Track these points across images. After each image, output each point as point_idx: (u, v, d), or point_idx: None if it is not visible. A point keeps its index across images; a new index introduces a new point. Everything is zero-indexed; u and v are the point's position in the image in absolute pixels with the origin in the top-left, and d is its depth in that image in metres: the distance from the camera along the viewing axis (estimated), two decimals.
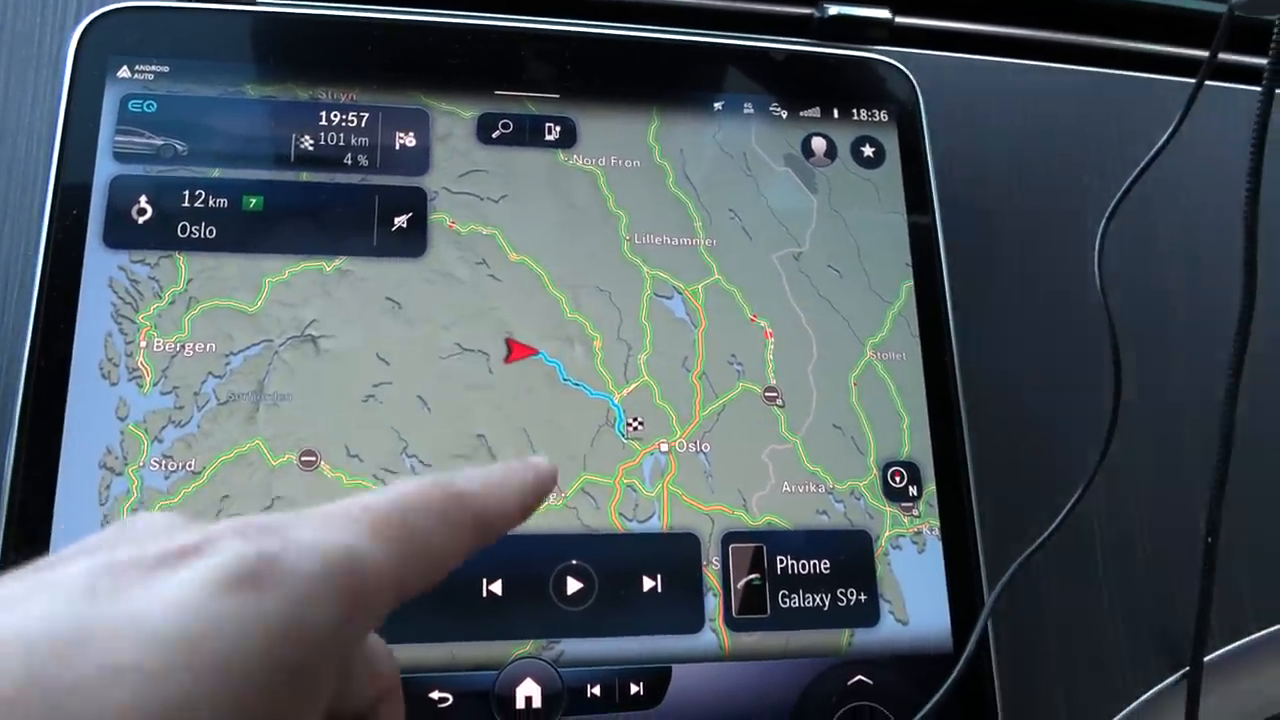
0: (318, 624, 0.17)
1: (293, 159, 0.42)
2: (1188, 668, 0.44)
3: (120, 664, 0.15)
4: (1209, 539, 0.43)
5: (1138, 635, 0.46)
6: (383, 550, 0.19)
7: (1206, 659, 0.45)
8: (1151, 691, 0.45)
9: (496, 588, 0.39)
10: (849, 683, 0.40)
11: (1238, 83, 0.55)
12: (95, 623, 0.16)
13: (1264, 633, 0.47)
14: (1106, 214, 0.39)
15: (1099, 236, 0.39)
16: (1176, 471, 0.49)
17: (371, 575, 0.19)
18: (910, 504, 0.42)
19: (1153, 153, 0.37)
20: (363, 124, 0.43)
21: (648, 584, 0.40)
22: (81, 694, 0.15)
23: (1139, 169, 0.37)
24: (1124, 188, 0.38)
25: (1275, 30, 0.37)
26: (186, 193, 0.41)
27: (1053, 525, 0.41)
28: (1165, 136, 0.37)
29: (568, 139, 0.45)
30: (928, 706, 0.37)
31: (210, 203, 0.41)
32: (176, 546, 0.18)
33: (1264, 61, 0.37)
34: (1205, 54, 0.39)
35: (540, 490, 0.26)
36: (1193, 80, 0.40)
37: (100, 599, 0.16)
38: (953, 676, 0.38)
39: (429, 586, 0.21)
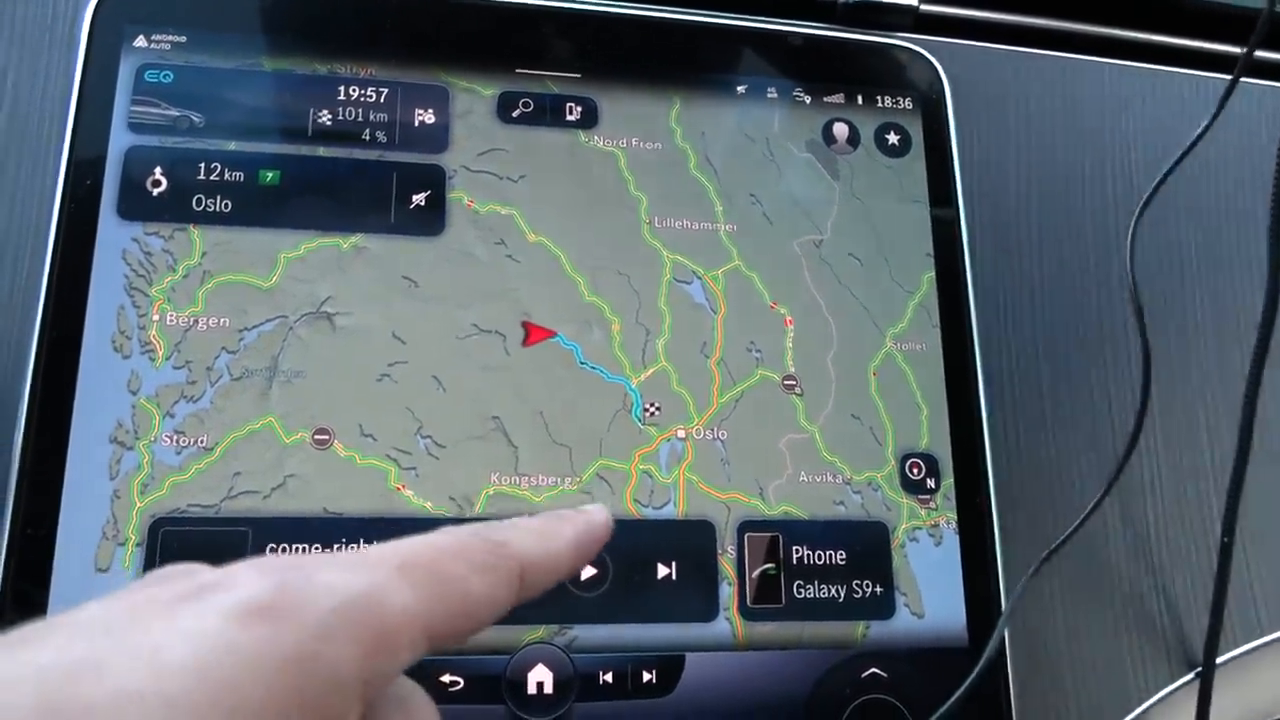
0: (332, 659, 0.17)
1: (310, 134, 0.42)
2: (1200, 668, 0.44)
3: (133, 689, 0.15)
4: (1225, 538, 0.43)
5: (1150, 635, 0.45)
6: (410, 592, 0.19)
7: (1219, 660, 0.44)
8: (1163, 692, 0.45)
9: None
10: (863, 675, 0.40)
11: (1267, 79, 0.54)
12: (110, 653, 0.16)
13: (1276, 634, 0.47)
14: (1137, 211, 0.38)
15: (1130, 234, 0.38)
16: (1192, 470, 0.48)
17: (394, 615, 0.19)
18: (928, 497, 0.42)
19: (1186, 147, 0.37)
20: (382, 100, 0.43)
21: (662, 571, 0.39)
22: (93, 718, 0.15)
23: (1172, 164, 0.37)
24: (1155, 182, 0.38)
25: None
26: (202, 165, 0.41)
27: (1076, 522, 0.41)
28: (1199, 131, 0.37)
29: (589, 119, 0.44)
30: (946, 705, 0.37)
31: (226, 176, 0.41)
32: (196, 584, 0.18)
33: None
34: (1236, 50, 0.39)
35: (594, 538, 0.25)
36: (1221, 75, 0.39)
37: (116, 633, 0.17)
38: (972, 676, 0.38)
39: (468, 632, 0.21)
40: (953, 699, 0.37)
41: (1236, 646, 0.46)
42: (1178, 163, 0.37)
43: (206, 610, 0.17)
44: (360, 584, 0.19)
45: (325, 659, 0.17)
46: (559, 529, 0.25)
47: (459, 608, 0.20)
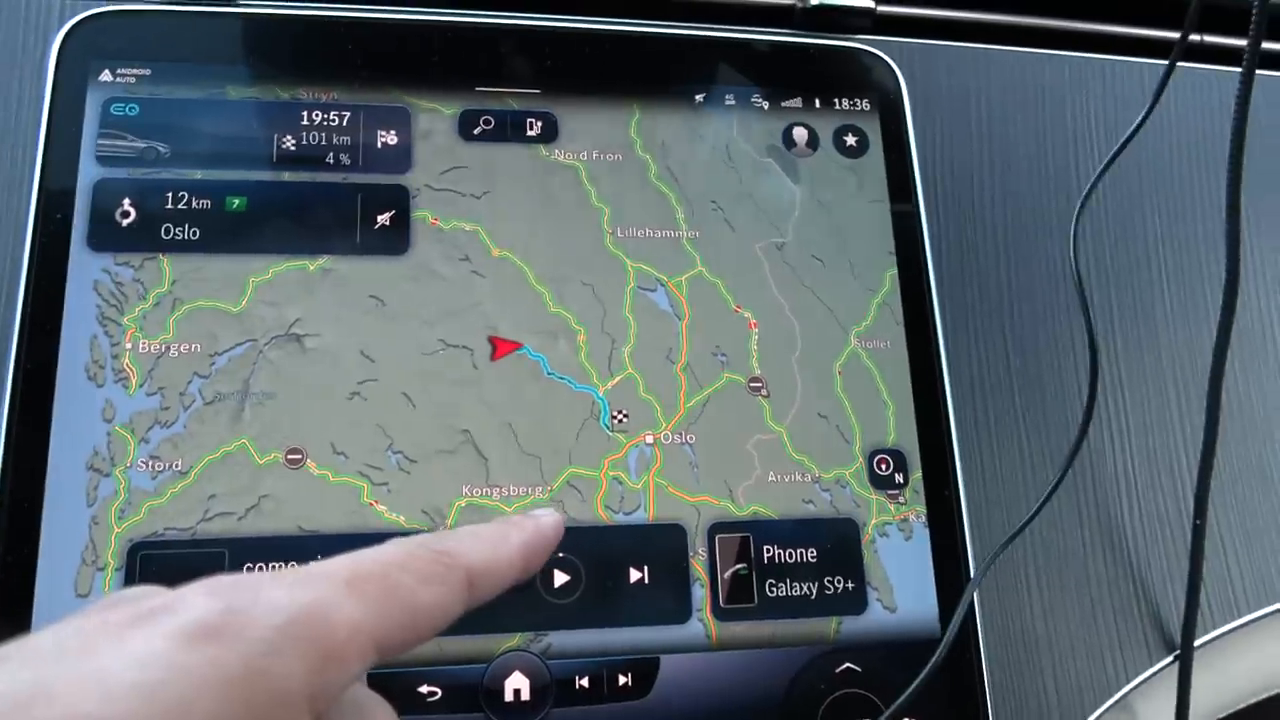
0: (279, 674, 0.18)
1: (275, 159, 0.43)
2: (1178, 651, 0.44)
3: (81, 713, 0.16)
4: (1197, 521, 0.43)
5: (1127, 620, 0.46)
6: (357, 605, 0.20)
7: (1197, 642, 0.45)
8: (1142, 676, 0.45)
9: None
10: (837, 670, 0.40)
11: (1220, 64, 0.54)
12: (60, 679, 0.16)
13: (1255, 615, 0.47)
14: (1080, 199, 0.39)
15: (1074, 220, 0.39)
16: (1165, 452, 0.49)
17: (340, 629, 0.19)
18: (896, 491, 0.43)
19: (1125, 137, 0.37)
20: (344, 123, 0.43)
21: (634, 575, 0.40)
22: None
23: (1112, 153, 0.38)
24: (1098, 172, 0.38)
25: (1253, 11, 0.36)
26: (169, 195, 0.41)
27: (1035, 509, 0.42)
28: (1138, 120, 0.37)
29: (549, 134, 0.45)
30: (911, 687, 0.37)
31: (193, 204, 0.41)
32: (147, 608, 0.18)
33: (1244, 43, 0.37)
34: (1196, 36, 0.39)
35: (543, 543, 0.26)
36: (1185, 63, 0.40)
37: (67, 659, 0.17)
38: (936, 655, 0.38)
39: (418, 640, 0.22)
40: (921, 676, 0.37)
41: (1215, 628, 0.47)
42: (1117, 153, 0.38)
43: (154, 633, 0.17)
44: (305, 599, 0.19)
45: (271, 675, 0.18)
46: (507, 535, 0.25)
47: (406, 618, 0.21)
